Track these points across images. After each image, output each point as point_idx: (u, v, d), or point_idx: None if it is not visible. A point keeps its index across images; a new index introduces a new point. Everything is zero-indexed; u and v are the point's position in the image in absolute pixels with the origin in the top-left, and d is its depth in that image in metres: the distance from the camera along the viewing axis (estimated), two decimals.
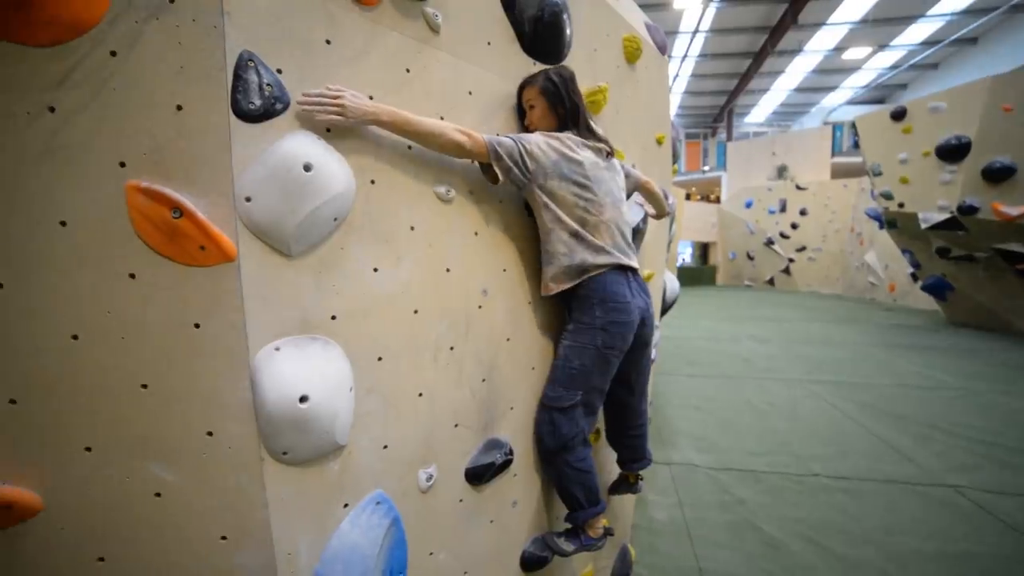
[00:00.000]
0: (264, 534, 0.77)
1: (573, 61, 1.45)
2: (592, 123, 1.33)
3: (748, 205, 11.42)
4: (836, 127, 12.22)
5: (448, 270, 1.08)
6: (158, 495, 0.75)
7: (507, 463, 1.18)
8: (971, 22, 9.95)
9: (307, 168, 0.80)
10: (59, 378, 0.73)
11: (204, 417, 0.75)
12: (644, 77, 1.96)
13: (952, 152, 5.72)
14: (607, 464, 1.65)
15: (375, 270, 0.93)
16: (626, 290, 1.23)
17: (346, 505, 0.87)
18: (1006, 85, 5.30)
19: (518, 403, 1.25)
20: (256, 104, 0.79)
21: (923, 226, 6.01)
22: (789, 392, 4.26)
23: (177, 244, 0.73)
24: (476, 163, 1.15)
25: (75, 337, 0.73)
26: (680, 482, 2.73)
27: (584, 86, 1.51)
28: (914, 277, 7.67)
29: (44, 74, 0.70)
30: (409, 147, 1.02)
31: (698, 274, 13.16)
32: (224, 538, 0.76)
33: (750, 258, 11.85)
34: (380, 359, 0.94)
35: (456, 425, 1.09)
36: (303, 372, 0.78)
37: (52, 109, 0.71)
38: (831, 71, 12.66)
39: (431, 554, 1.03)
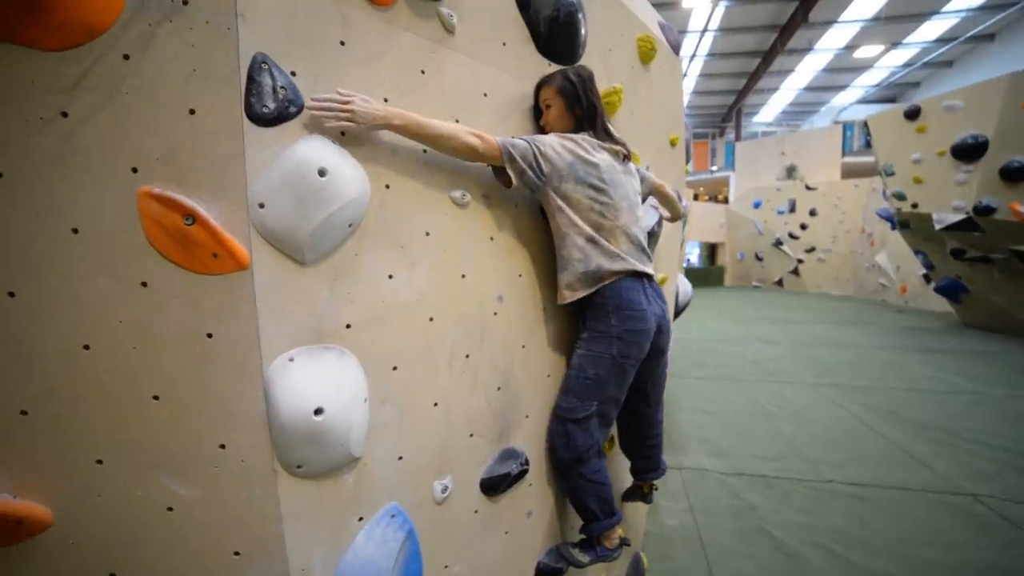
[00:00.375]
0: (278, 549, 0.75)
1: (588, 61, 1.42)
2: (609, 125, 1.30)
3: (757, 205, 11.31)
4: (847, 126, 12.05)
5: (463, 276, 1.05)
6: (170, 509, 0.73)
7: (522, 473, 1.15)
8: (989, 18, 9.74)
9: (322, 173, 0.77)
10: (70, 388, 0.71)
11: (217, 429, 0.74)
12: (658, 77, 1.93)
13: (968, 151, 5.61)
14: (620, 471, 1.62)
15: (390, 277, 0.91)
16: (642, 297, 1.20)
17: (361, 518, 0.85)
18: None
19: (533, 411, 1.22)
20: (270, 107, 0.77)
21: (937, 227, 5.91)
22: (799, 395, 4.20)
23: (189, 252, 0.71)
24: (489, 166, 1.13)
25: (86, 347, 0.71)
26: (691, 487, 2.69)
27: (599, 87, 1.48)
28: (927, 279, 7.55)
29: (57, 78, 0.69)
30: (424, 151, 0.99)
31: (706, 275, 13.05)
32: (237, 553, 0.75)
33: (758, 259, 11.74)
34: (395, 368, 0.91)
35: (471, 435, 1.07)
36: (317, 383, 0.76)
37: (65, 114, 0.69)
38: (842, 70, 12.49)
39: (446, 567, 1.01)
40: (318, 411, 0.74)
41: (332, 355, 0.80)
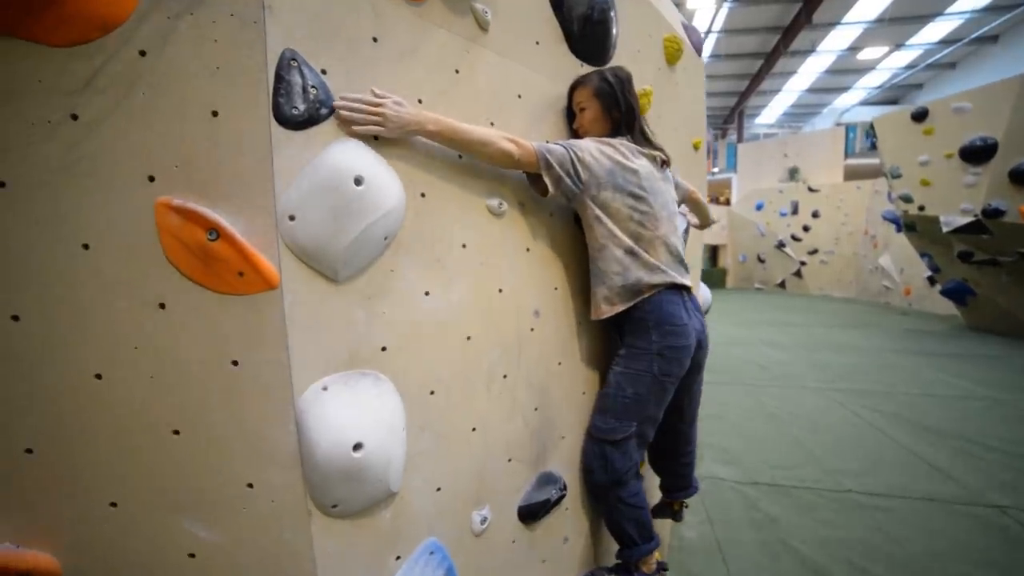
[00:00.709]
0: None
1: (617, 62, 1.35)
2: (647, 129, 1.22)
3: (759, 207, 11.28)
4: (849, 128, 12.04)
5: (500, 291, 0.98)
6: (192, 555, 0.66)
7: (560, 499, 1.08)
8: (992, 20, 9.71)
9: (358, 182, 0.70)
10: (81, 423, 0.64)
11: (244, 467, 0.66)
12: (683, 79, 1.87)
13: (977, 154, 5.57)
14: (650, 488, 1.56)
15: (426, 294, 0.84)
16: (682, 311, 1.13)
17: (398, 557, 0.78)
18: None
19: (569, 432, 1.16)
20: (300, 109, 0.70)
21: (945, 229, 5.86)
22: (809, 400, 4.14)
23: (213, 270, 0.64)
24: (524, 173, 1.06)
25: (98, 376, 0.64)
26: (707, 496, 2.62)
27: None
28: (931, 281, 7.52)
29: (66, 77, 0.61)
30: (459, 155, 0.92)
31: (708, 277, 13.02)
32: None
33: (761, 261, 11.71)
34: (432, 393, 0.84)
35: (509, 460, 1.00)
36: (355, 415, 0.69)
37: (74, 116, 0.62)
38: (844, 71, 12.46)
39: None
40: (357, 446, 0.67)
41: (368, 382, 0.73)
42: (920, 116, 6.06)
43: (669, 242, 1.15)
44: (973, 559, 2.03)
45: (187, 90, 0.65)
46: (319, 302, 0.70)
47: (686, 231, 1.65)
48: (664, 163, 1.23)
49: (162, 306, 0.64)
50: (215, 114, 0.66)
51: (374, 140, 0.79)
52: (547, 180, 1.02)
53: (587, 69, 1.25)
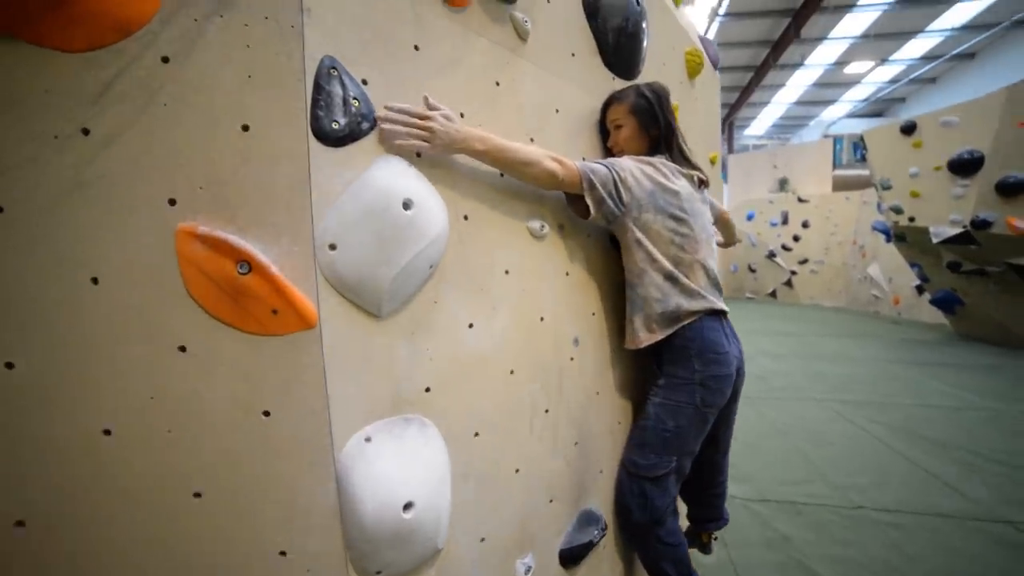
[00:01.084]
0: None
1: (644, 76, 1.31)
2: (685, 147, 1.17)
3: (750, 217, 11.40)
4: (836, 140, 12.30)
5: (542, 319, 0.91)
6: None
7: (602, 539, 1.01)
8: (970, 38, 10.07)
9: (407, 206, 0.63)
10: (85, 487, 0.54)
11: (275, 532, 0.58)
12: (701, 94, 1.83)
13: (965, 166, 5.69)
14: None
15: (470, 326, 0.77)
16: (723, 338, 1.07)
17: None
18: (1020, 100, 5.29)
19: (606, 465, 1.08)
20: (341, 123, 0.63)
21: (935, 240, 5.97)
22: (811, 413, 4.12)
23: (243, 308, 0.56)
24: (562, 193, 0.99)
25: (107, 432, 0.55)
26: None
27: None
28: (919, 290, 7.65)
29: (78, 86, 0.53)
30: (501, 174, 0.85)
31: None
32: None
33: (752, 271, 11.82)
34: (476, 435, 0.77)
35: (551, 500, 0.92)
36: (404, 470, 0.60)
37: (86, 131, 0.54)
38: (831, 85, 12.74)
39: None
40: (408, 506, 0.59)
41: (414, 429, 0.65)
42: (909, 129, 6.19)
43: (707, 266, 1.09)
44: None
45: (215, 101, 0.58)
46: (360, 341, 0.62)
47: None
48: (702, 183, 1.17)
49: (183, 349, 0.56)
50: (246, 128, 0.58)
51: (415, 157, 0.72)
52: (589, 201, 0.96)
53: (619, 82, 1.20)
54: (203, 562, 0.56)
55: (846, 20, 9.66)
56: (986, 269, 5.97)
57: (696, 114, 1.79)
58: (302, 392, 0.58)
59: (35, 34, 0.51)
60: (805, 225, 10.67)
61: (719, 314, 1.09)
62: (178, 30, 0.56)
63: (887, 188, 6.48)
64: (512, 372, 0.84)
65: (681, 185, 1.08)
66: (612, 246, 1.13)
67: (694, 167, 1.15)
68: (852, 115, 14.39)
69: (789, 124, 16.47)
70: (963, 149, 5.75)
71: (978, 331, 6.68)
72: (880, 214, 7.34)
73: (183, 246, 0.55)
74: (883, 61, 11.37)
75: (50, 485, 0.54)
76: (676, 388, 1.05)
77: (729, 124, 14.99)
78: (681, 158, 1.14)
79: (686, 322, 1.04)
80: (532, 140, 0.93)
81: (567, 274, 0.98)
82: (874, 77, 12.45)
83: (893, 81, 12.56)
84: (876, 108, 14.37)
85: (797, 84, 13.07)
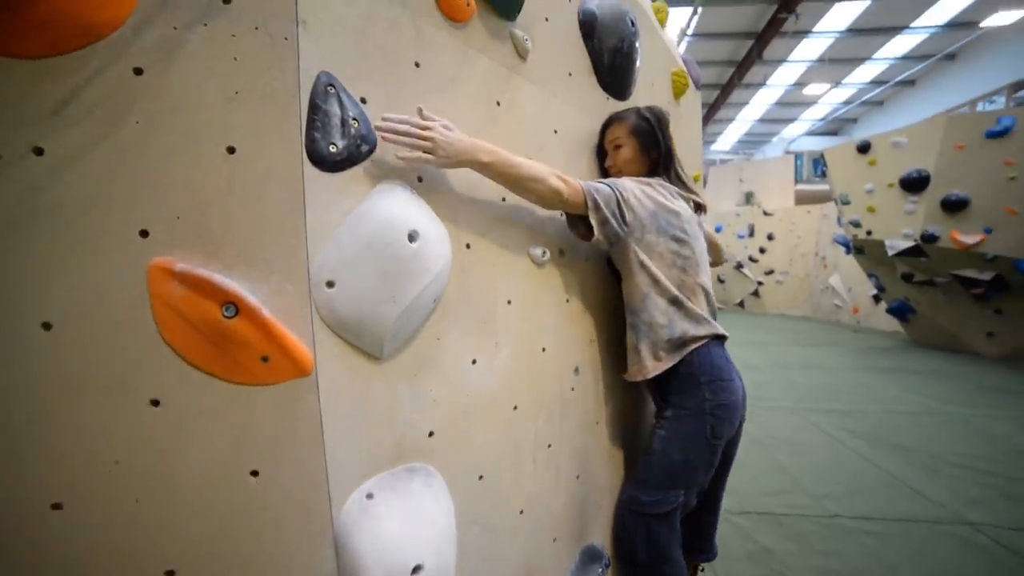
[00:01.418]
0: None
1: (635, 96, 1.31)
2: (682, 172, 1.16)
3: (718, 230, 11.80)
4: (797, 156, 12.99)
5: (544, 349, 0.87)
6: None
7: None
8: (910, 67, 10.95)
9: (412, 238, 0.57)
10: (32, 571, 0.46)
11: None
12: (686, 113, 1.86)
13: (914, 184, 6.10)
14: None
15: (473, 362, 0.71)
16: (728, 364, 1.04)
17: None
18: (958, 125, 5.75)
19: (607, 496, 1.04)
20: (338, 146, 0.57)
21: (890, 253, 6.33)
22: (786, 422, 4.23)
23: (228, 355, 0.49)
24: (563, 214, 0.96)
25: (57, 507, 0.46)
26: None
27: None
28: (876, 299, 8.07)
29: (28, 98, 0.46)
30: (503, 199, 0.81)
31: None
32: None
33: (720, 281, 12.21)
34: (481, 477, 0.71)
35: (555, 539, 0.87)
36: (409, 528, 0.54)
37: (39, 151, 0.46)
38: (792, 104, 13.50)
39: None
40: (416, 569, 0.53)
41: (419, 481, 0.59)
42: (864, 148, 6.58)
43: (708, 289, 1.07)
44: None
45: (197, 120, 0.51)
46: (360, 387, 0.56)
47: None
48: (699, 207, 1.16)
49: (155, 403, 0.48)
50: (232, 151, 0.52)
51: (418, 182, 0.67)
52: (593, 222, 0.92)
53: (613, 103, 1.19)
54: None
55: (803, 44, 10.27)
56: (935, 280, 6.37)
57: (681, 133, 1.81)
58: (296, 448, 0.51)
59: None
60: (770, 237, 11.12)
61: (721, 339, 1.06)
62: (154, 38, 0.50)
63: (846, 203, 6.84)
64: (515, 408, 0.79)
65: (681, 207, 1.06)
66: (609, 271, 1.10)
67: (691, 191, 1.14)
68: (811, 133, 15.24)
69: (753, 140, 17.28)
70: (912, 168, 6.15)
71: (929, 338, 7.09)
72: (840, 227, 7.74)
73: (157, 285, 0.48)
74: (837, 84, 12.13)
75: None
76: (685, 419, 0.99)
77: None
78: (679, 182, 1.13)
79: (692, 348, 1.00)
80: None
81: (567, 301, 0.95)
82: (830, 98, 13.26)
83: (847, 103, 13.41)
84: (832, 127, 15.28)
85: (760, 103, 13.76)
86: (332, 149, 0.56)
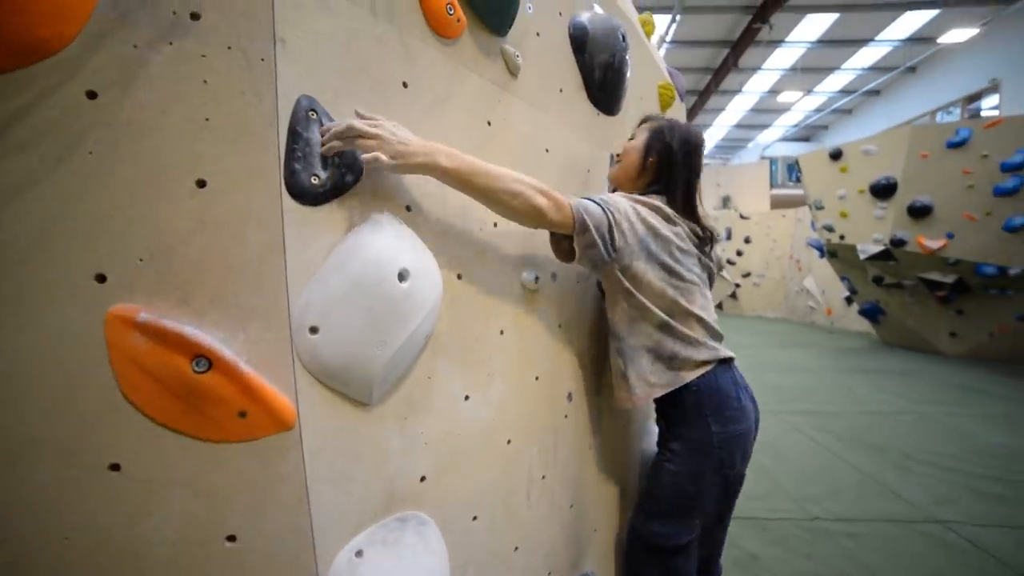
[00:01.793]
0: None
1: (625, 110, 1.30)
2: (697, 198, 1.03)
3: None
4: (772, 161, 13.39)
5: (536, 378, 0.84)
6: None
7: None
8: (876, 77, 11.44)
9: (402, 277, 0.53)
10: None
11: None
12: None
13: (883, 190, 6.34)
14: None
15: (466, 398, 0.68)
16: (737, 390, 0.97)
17: None
18: (922, 135, 6.03)
19: (601, 524, 1.02)
20: (321, 177, 0.53)
21: (862, 257, 6.55)
22: (767, 424, 4.31)
23: (200, 412, 0.44)
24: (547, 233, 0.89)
25: None
26: None
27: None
28: (848, 301, 8.35)
29: None
30: (495, 224, 0.78)
31: None
32: None
33: None
34: (475, 518, 0.67)
35: (550, 573, 0.84)
36: None
37: None
38: (766, 111, 13.91)
39: None
40: None
41: (410, 531, 0.55)
42: (836, 155, 6.81)
43: (702, 316, 0.98)
44: None
45: (161, 150, 0.46)
46: (348, 438, 0.52)
47: None
48: (709, 239, 1.05)
49: (115, 467, 0.43)
50: (202, 184, 0.47)
51: (406, 212, 0.63)
52: (577, 246, 0.85)
53: (602, 118, 1.17)
54: None
55: (777, 53, 10.59)
56: (903, 283, 6.62)
57: None
58: (278, 508, 0.47)
59: None
60: (747, 240, 11.40)
61: (727, 362, 0.99)
62: (110, 58, 0.45)
63: (820, 208, 7.06)
64: (509, 442, 0.76)
65: (675, 232, 0.96)
66: (600, 292, 1.08)
67: (697, 220, 1.02)
68: (784, 139, 15.72)
69: (730, 145, 17.72)
70: (881, 175, 6.39)
71: (898, 339, 7.37)
72: (814, 231, 7.97)
73: (116, 337, 0.43)
74: (809, 92, 12.55)
75: None
76: (693, 453, 0.93)
77: None
78: (686, 208, 1.01)
79: (694, 375, 0.93)
80: None
81: (560, 326, 0.92)
82: (802, 106, 13.71)
83: (818, 110, 13.89)
84: (805, 133, 15.80)
85: (736, 109, 14.13)
86: (314, 181, 0.52)
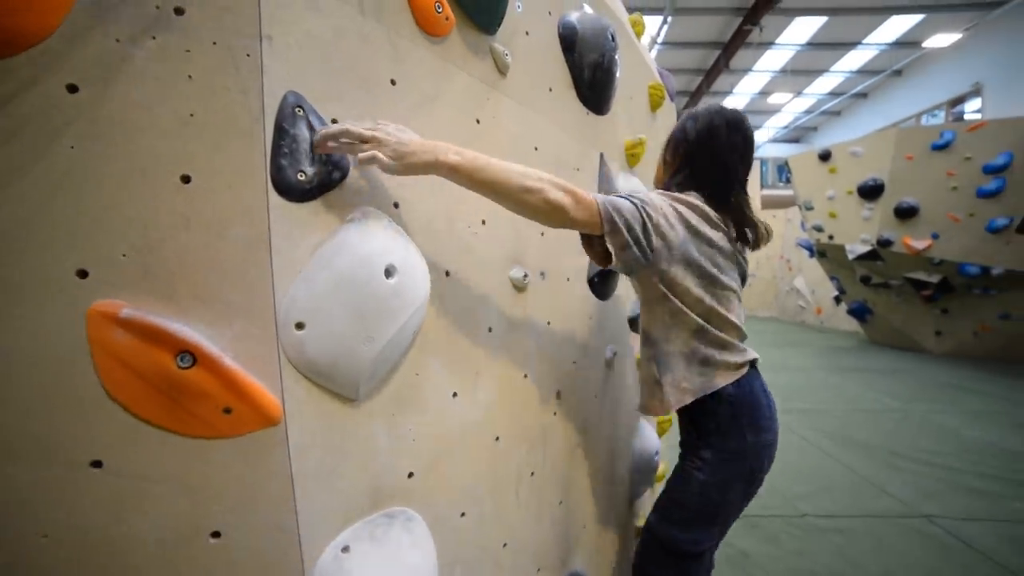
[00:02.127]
0: None
1: (614, 110, 1.31)
2: (745, 197, 0.96)
3: None
4: (762, 162, 13.54)
5: (525, 376, 0.84)
6: None
7: None
8: (864, 80, 11.63)
9: (389, 273, 0.54)
10: None
11: None
12: (661, 126, 1.88)
13: (870, 192, 6.43)
14: None
15: (454, 395, 0.68)
16: (766, 397, 0.95)
17: None
18: (908, 138, 6.12)
19: (590, 520, 1.02)
20: (308, 173, 0.53)
21: (850, 257, 6.64)
22: None
23: (184, 408, 0.44)
24: (576, 232, 0.84)
25: None
26: None
27: (625, 138, 1.37)
28: (837, 300, 8.46)
29: None
30: (483, 221, 0.78)
31: None
32: None
33: None
34: (463, 515, 0.68)
35: (539, 570, 0.84)
36: None
37: None
38: (757, 112, 14.06)
39: None
40: None
41: (398, 528, 0.55)
42: (825, 157, 6.89)
43: (738, 325, 0.94)
44: (919, 573, 2.17)
45: (144, 145, 0.46)
46: (335, 433, 0.52)
47: None
48: (753, 240, 0.97)
49: (97, 465, 0.43)
50: (186, 180, 0.47)
51: (395, 209, 0.63)
52: (611, 247, 0.78)
53: (592, 118, 1.18)
54: None
55: (767, 55, 10.71)
56: (889, 282, 6.72)
57: (658, 144, 1.83)
58: (263, 504, 0.47)
59: None
60: None
61: (754, 365, 0.95)
62: (92, 52, 0.44)
63: (809, 209, 7.14)
64: (497, 439, 0.76)
65: (717, 236, 0.89)
66: (590, 286, 1.09)
67: (743, 220, 0.95)
68: (775, 140, 15.89)
69: None
70: (868, 177, 6.48)
71: (885, 337, 7.47)
72: (803, 232, 8.06)
73: (98, 333, 0.42)
74: (799, 93, 12.71)
75: None
76: (726, 462, 0.90)
77: None
78: (731, 205, 0.93)
79: (726, 380, 0.89)
80: None
81: (548, 324, 0.92)
82: (792, 107, 13.87)
83: (808, 112, 14.06)
84: (795, 135, 15.98)
85: None
86: (300, 177, 0.52)
